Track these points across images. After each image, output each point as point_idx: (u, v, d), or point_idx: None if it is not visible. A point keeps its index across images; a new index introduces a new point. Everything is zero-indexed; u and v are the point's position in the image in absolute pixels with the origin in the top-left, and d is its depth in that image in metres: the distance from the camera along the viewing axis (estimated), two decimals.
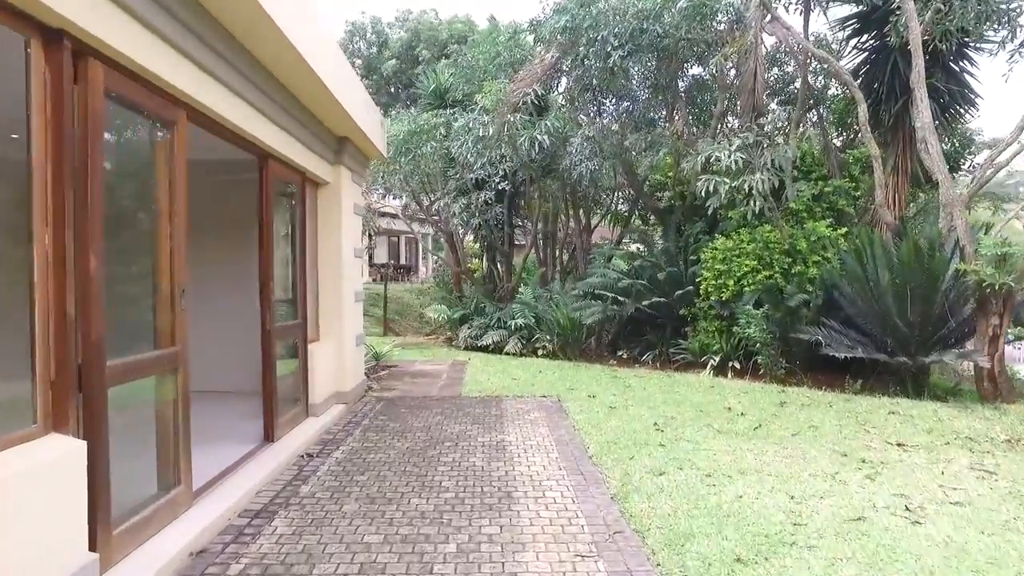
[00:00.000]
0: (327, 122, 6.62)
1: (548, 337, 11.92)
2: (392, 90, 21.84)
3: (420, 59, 20.49)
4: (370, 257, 30.39)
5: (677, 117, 11.04)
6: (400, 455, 5.54)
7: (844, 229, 9.65)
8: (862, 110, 9.10)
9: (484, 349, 12.71)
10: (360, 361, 8.09)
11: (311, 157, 6.45)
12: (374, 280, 24.18)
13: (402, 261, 35.40)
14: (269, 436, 5.54)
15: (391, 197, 15.48)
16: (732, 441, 5.94)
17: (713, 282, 9.90)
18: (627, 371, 10.23)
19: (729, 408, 7.26)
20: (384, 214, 25.44)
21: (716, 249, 10.11)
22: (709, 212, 9.91)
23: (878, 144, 9.54)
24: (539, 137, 11.13)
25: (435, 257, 17.98)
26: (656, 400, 7.78)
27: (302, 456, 5.49)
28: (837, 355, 7.80)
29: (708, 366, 9.79)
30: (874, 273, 8.03)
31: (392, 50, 21.76)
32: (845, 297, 8.50)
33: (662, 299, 10.76)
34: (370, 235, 16.70)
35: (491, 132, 11.31)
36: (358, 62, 22.17)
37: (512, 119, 11.17)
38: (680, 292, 10.55)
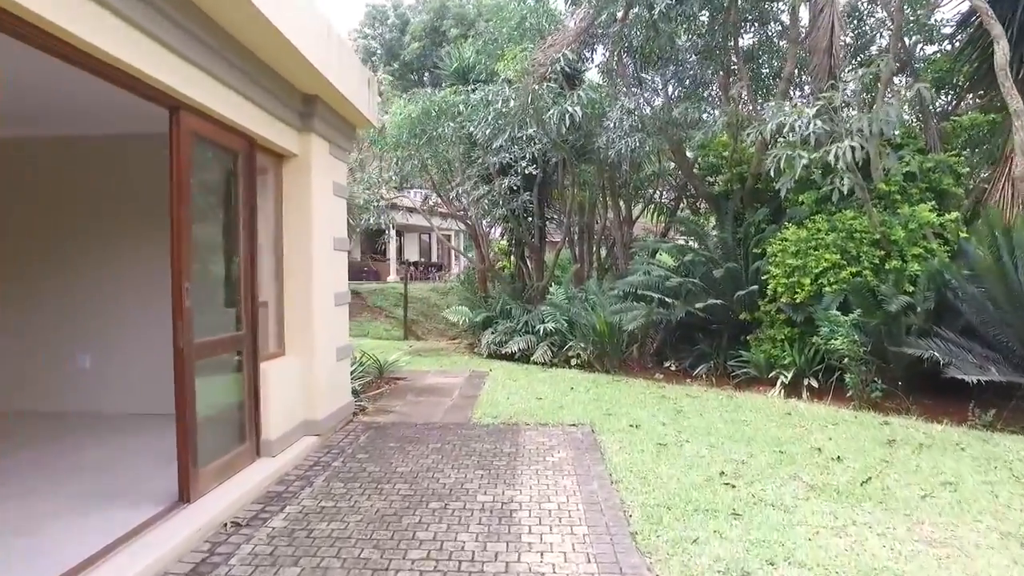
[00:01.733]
0: (284, 72, 5.06)
1: (582, 345, 10.20)
2: (414, 76, 20.40)
3: (446, 39, 18.99)
4: (398, 254, 29.09)
5: (734, 85, 9.16)
6: (363, 525, 3.93)
7: (954, 214, 7.67)
8: (1001, 50, 7.03)
9: (509, 357, 11.06)
10: (344, 379, 6.53)
11: (261, 117, 4.90)
12: (402, 278, 22.78)
13: (433, 259, 34.04)
14: (184, 495, 4.00)
15: (409, 188, 13.93)
16: (836, 506, 4.17)
17: (784, 280, 8.04)
18: (677, 388, 8.44)
19: (819, 449, 5.45)
20: (410, 209, 24.02)
21: (787, 240, 8.24)
22: (780, 194, 8.04)
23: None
24: (570, 109, 9.41)
25: (468, 255, 16.39)
26: (718, 432, 6.01)
27: (225, 525, 3.92)
28: (966, 378, 5.88)
29: (778, 384, 7.94)
30: (1012, 269, 6.08)
31: (414, 33, 20.31)
32: (967, 300, 6.57)
33: (718, 301, 8.93)
34: (385, 229, 15.27)
35: (514, 105, 9.65)
36: (379, 49, 20.85)
37: (539, 89, 9.49)
38: (741, 293, 8.72)
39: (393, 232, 26.95)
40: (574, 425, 6.41)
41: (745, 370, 8.59)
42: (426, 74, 20.03)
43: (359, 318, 18.12)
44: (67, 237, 6.51)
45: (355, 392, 7.30)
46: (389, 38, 21.35)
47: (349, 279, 22.76)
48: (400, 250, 30.85)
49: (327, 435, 5.88)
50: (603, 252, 14.46)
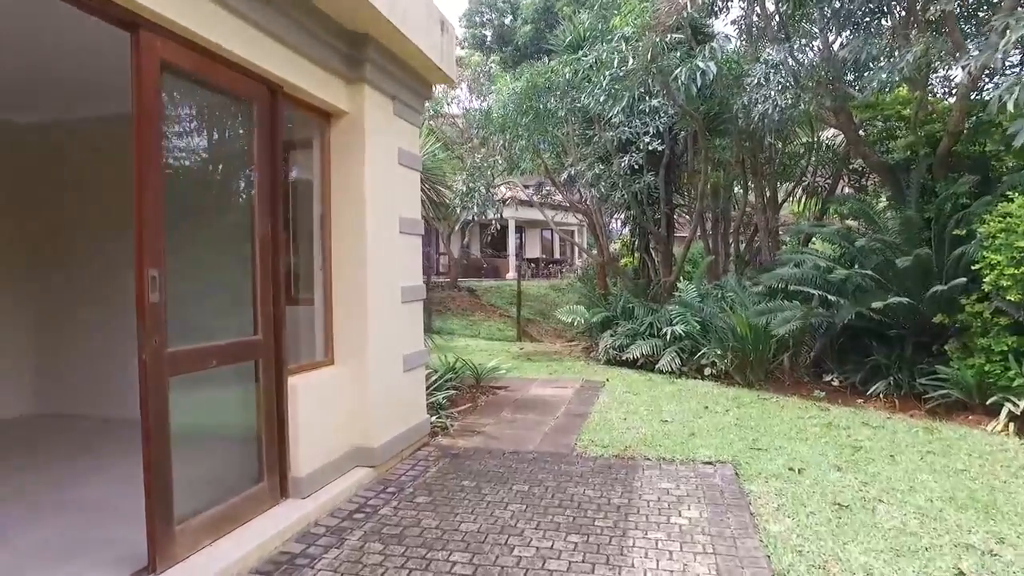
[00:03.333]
0: (320, 1, 3.89)
1: (718, 351, 8.40)
2: (527, 62, 19.18)
3: (558, 19, 17.61)
4: (519, 250, 28.08)
5: (933, 4, 6.93)
6: None
7: None
8: None
9: (629, 364, 9.46)
10: (414, 394, 5.30)
11: (286, 57, 3.75)
12: (524, 276, 21.70)
13: (556, 255, 32.78)
14: (151, 563, 2.89)
15: (520, 172, 12.65)
16: None
17: (1010, 271, 5.83)
18: (846, 411, 6.48)
19: None
20: (522, 202, 22.89)
21: (1011, 217, 6.01)
22: (998, 152, 5.87)
23: None
24: (702, 66, 7.67)
25: (591, 251, 14.93)
26: (927, 489, 4.15)
27: None
28: None
29: (1003, 414, 5.76)
30: None
31: (525, 16, 19.04)
32: None
33: (903, 299, 6.82)
34: (493, 222, 14.14)
35: (633, 65, 8.05)
36: (488, 35, 19.82)
37: (662, 42, 7.83)
38: (940, 288, 6.56)
39: (513, 227, 25.98)
40: (710, 463, 4.76)
41: (944, 391, 6.43)
42: (540, 58, 18.78)
43: (472, 317, 17.21)
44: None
45: (439, 407, 6.09)
46: (499, 24, 20.28)
47: (467, 276, 22.02)
48: (521, 246, 29.86)
49: (387, 465, 4.67)
50: (742, 242, 12.40)
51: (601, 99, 8.40)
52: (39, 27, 3.87)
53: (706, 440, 5.37)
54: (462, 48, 18.47)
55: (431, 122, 14.51)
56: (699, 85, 7.80)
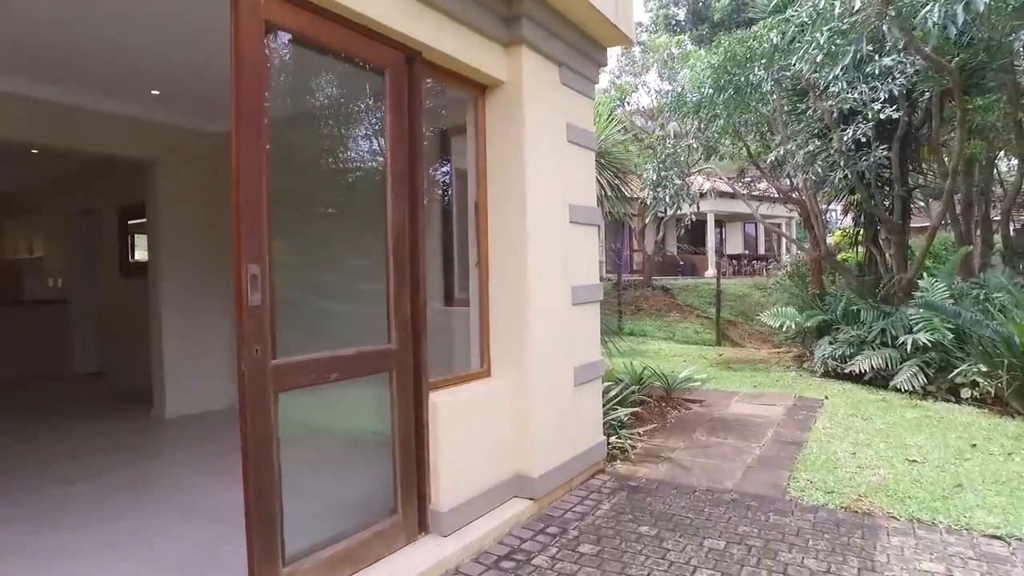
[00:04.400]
0: None
1: (982, 368, 6.53)
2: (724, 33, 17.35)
3: None
4: (719, 246, 26.01)
5: None
6: None
7: None
8: None
9: (855, 378, 7.82)
10: (588, 412, 4.52)
11: (426, 17, 3.19)
12: (724, 274, 19.92)
13: (759, 251, 30.01)
14: None
15: (719, 157, 11.25)
16: None
17: None
18: None
19: None
20: (723, 194, 20.98)
21: None
22: None
23: None
24: None
25: (802, 244, 13.07)
26: None
27: None
28: None
29: None
30: None
31: None
32: None
33: None
34: (687, 216, 12.80)
35: (862, 7, 6.50)
36: (681, 13, 18.30)
37: None
38: None
39: (712, 221, 24.09)
40: (997, 537, 3.38)
41: None
42: (739, 31, 16.92)
43: (667, 317, 16.02)
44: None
45: (619, 425, 5.25)
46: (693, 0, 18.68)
47: (662, 273, 20.80)
48: (721, 242, 27.69)
49: (550, 498, 3.96)
50: (1011, 228, 9.87)
51: (818, 58, 6.91)
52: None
53: (983, 497, 3.91)
54: (647, 32, 17.28)
55: (617, 111, 13.60)
56: (959, 26, 6.04)
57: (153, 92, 5.43)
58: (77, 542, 3.41)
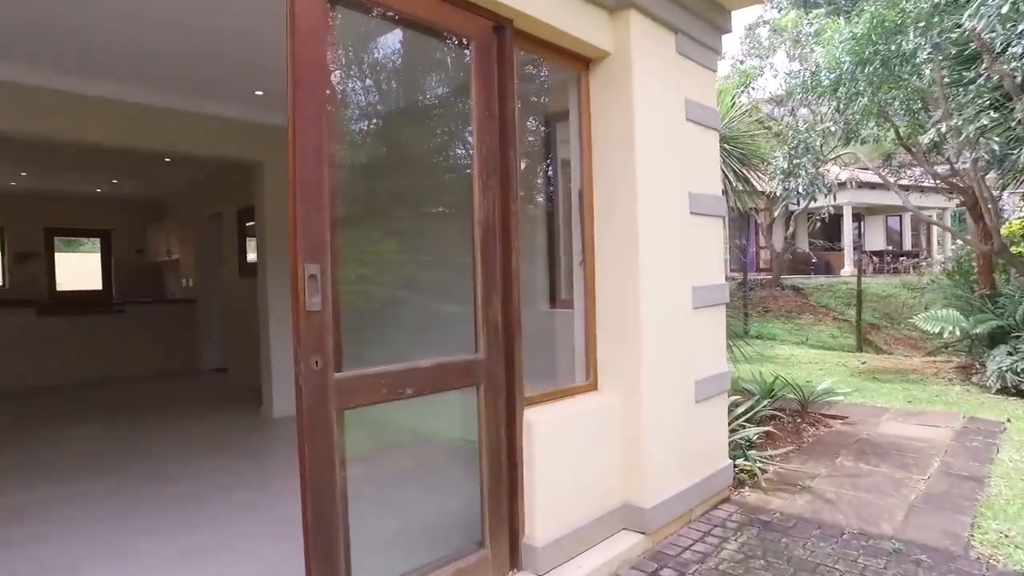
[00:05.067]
0: None
1: None
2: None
3: None
4: (856, 241, 23.72)
5: None
6: None
7: None
8: None
9: None
10: (711, 432, 3.89)
11: None
12: (864, 272, 18.05)
13: (905, 246, 27.13)
14: None
15: (857, 143, 9.98)
16: None
17: None
18: None
19: None
20: (863, 184, 19.03)
21: None
22: None
23: None
24: None
25: (962, 236, 11.45)
26: None
27: None
28: None
29: None
30: None
31: None
32: None
33: None
34: (821, 210, 11.50)
35: None
36: None
37: None
38: None
39: (849, 214, 21.96)
40: None
41: None
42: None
43: (798, 320, 14.69)
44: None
45: (746, 445, 4.59)
46: None
47: (793, 272, 19.23)
48: (860, 236, 25.25)
49: (665, 532, 3.41)
50: None
51: (1003, 9, 5.77)
52: None
53: None
54: (775, 9, 15.79)
55: (741, 97, 12.53)
56: None
57: (257, 93, 5.41)
58: (162, 548, 3.32)
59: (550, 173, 4.50)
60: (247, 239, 8.33)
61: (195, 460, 4.97)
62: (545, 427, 2.89)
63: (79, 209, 12.12)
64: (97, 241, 12.86)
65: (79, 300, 11.67)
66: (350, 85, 2.41)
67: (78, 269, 12.65)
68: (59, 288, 12.26)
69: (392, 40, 2.67)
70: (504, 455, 2.80)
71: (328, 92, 2.16)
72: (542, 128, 4.52)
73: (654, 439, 3.34)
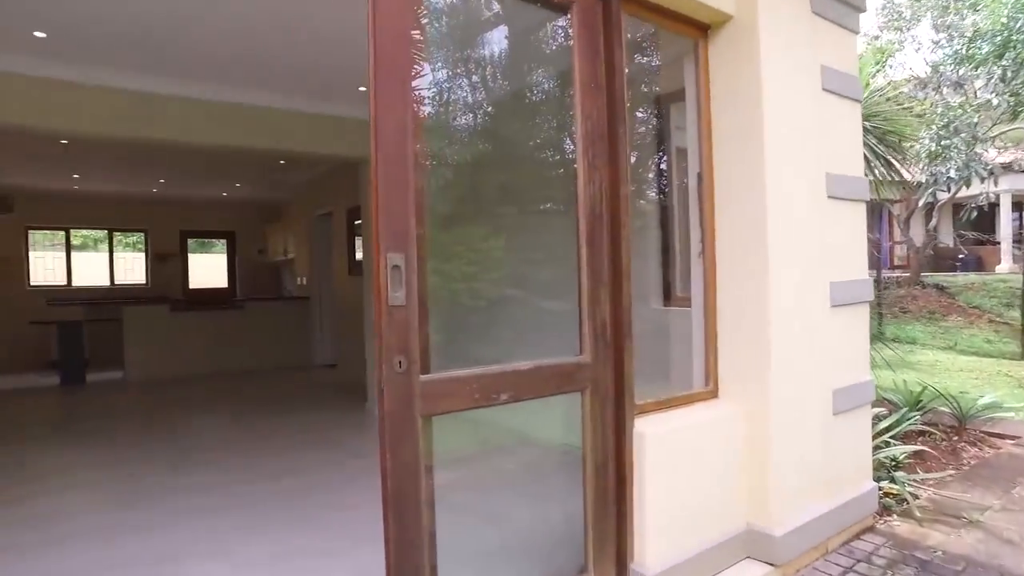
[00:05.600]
0: None
1: None
2: None
3: None
4: (1017, 233, 21.08)
5: None
6: None
7: None
8: None
9: None
10: (850, 449, 3.35)
11: None
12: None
13: None
14: None
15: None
16: None
17: None
18: None
19: None
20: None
21: None
22: None
23: None
24: None
25: None
26: None
27: None
28: None
29: None
30: None
31: None
32: None
33: None
34: (978, 198, 10.08)
35: None
36: None
37: None
38: None
39: (1008, 203, 19.48)
40: None
41: None
42: None
43: (943, 322, 13.20)
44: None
45: (892, 465, 3.99)
46: None
47: (933, 269, 17.44)
48: (1022, 228, 22.40)
49: (797, 564, 2.95)
50: None
51: None
52: None
53: None
54: None
55: (877, 78, 11.36)
56: None
57: (360, 89, 5.39)
58: (255, 548, 3.28)
59: (662, 160, 4.13)
60: (355, 237, 8.48)
61: (302, 456, 5.00)
62: (658, 439, 2.55)
63: (209, 212, 12.98)
64: (224, 242, 13.70)
65: (207, 297, 12.46)
66: (438, 55, 2.19)
67: (208, 268, 13.54)
68: (192, 286, 13.17)
69: (484, 9, 2.43)
70: (611, 469, 2.49)
71: (412, 65, 1.94)
72: (653, 112, 4.17)
73: (784, 455, 2.90)
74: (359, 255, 8.17)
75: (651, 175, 4.08)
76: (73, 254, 12.10)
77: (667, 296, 4.02)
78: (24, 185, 10.48)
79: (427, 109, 2.13)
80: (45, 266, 11.85)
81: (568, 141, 2.57)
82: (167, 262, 12.75)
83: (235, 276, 13.56)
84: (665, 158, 4.13)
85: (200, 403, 7.46)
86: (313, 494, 4.12)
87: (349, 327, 8.41)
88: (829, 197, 3.20)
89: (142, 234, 12.75)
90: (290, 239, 11.71)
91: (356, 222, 8.18)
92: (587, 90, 2.45)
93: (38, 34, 4.63)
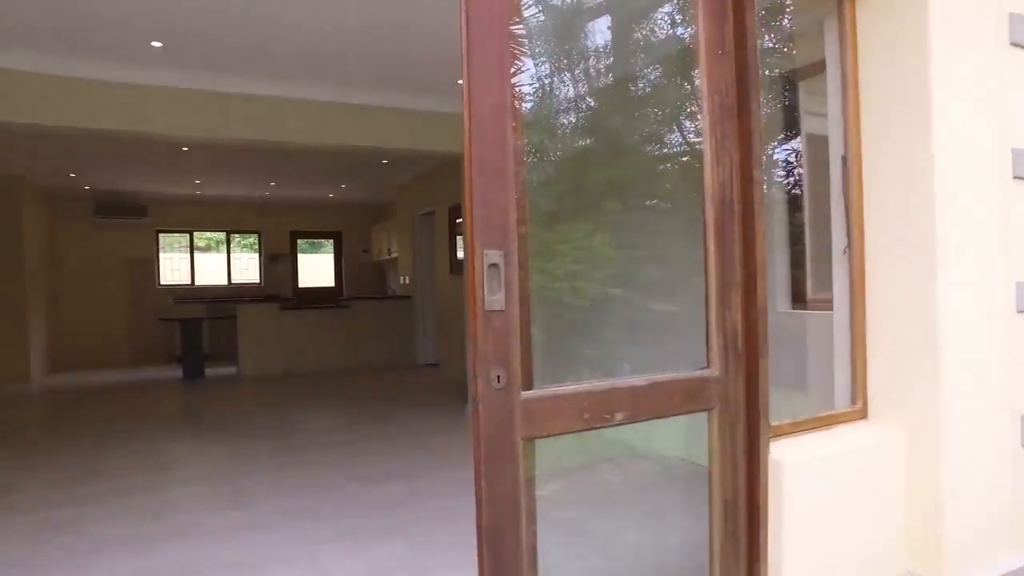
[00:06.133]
0: None
1: None
2: None
3: None
4: None
5: None
6: None
7: None
8: None
9: None
10: None
11: None
12: None
13: None
14: None
15: None
16: None
17: None
18: None
19: None
20: None
21: None
22: None
23: None
24: None
25: None
26: None
27: None
28: None
29: None
30: None
31: None
32: None
33: None
34: None
35: None
36: None
37: None
38: None
39: None
40: None
41: None
42: None
43: None
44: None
45: None
46: None
47: None
48: None
49: None
50: None
51: None
52: None
53: None
54: None
55: None
56: None
57: (459, 82, 5.24)
58: (344, 559, 3.13)
59: (789, 143, 3.67)
60: (457, 236, 8.40)
61: (403, 461, 4.89)
62: (799, 468, 2.15)
63: (316, 214, 13.45)
64: (331, 242, 14.15)
65: (315, 296, 12.88)
66: (536, 35, 1.91)
67: (316, 268, 14.03)
68: (301, 285, 13.69)
69: None
70: (742, 503, 2.12)
71: (508, 27, 1.68)
72: (783, 89, 3.72)
73: (960, 492, 2.39)
74: (460, 254, 8.09)
75: (778, 157, 3.64)
76: (196, 255, 12.89)
77: (797, 297, 3.57)
78: (155, 192, 11.26)
79: (525, 90, 1.86)
80: (172, 267, 12.69)
81: (680, 128, 2.23)
82: (278, 262, 13.31)
83: (341, 275, 13.97)
84: (792, 141, 3.68)
85: (306, 401, 7.61)
86: (411, 502, 3.96)
87: (451, 327, 8.35)
88: (1015, 178, 2.64)
89: (256, 235, 13.38)
90: (393, 238, 11.89)
91: (458, 220, 8.10)
92: (713, 58, 2.09)
93: (155, 44, 4.80)
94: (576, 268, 2.23)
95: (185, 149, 7.76)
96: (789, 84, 3.67)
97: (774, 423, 2.22)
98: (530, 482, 1.69)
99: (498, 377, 1.61)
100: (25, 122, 5.07)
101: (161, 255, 12.55)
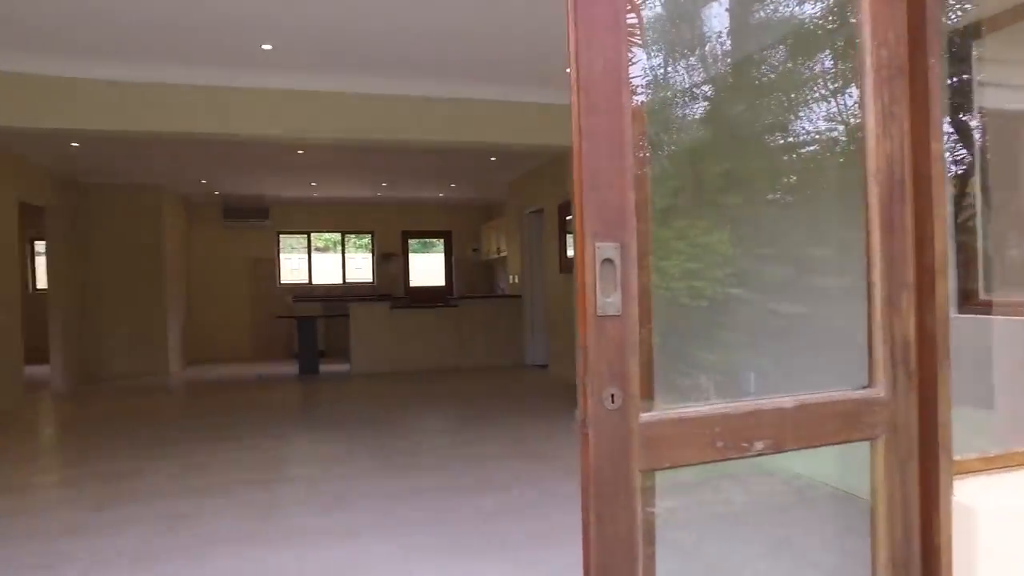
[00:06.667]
0: None
1: None
2: None
3: None
4: None
5: None
6: None
7: None
8: None
9: None
10: None
11: None
12: None
13: None
14: None
15: None
16: None
17: None
18: None
19: None
20: None
21: None
22: None
23: None
24: None
25: None
26: None
27: None
28: None
29: None
30: None
31: None
32: None
33: None
34: None
35: None
36: None
37: None
38: None
39: None
40: None
41: None
42: None
43: None
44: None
45: None
46: None
47: None
48: None
49: None
50: None
51: None
52: None
53: None
54: None
55: None
56: None
57: (567, 70, 4.99)
58: None
59: (961, 113, 3.12)
60: (566, 234, 8.15)
61: (510, 470, 4.69)
62: (996, 517, 1.70)
63: (427, 213, 13.66)
64: (441, 241, 14.34)
65: (426, 295, 13.07)
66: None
67: (427, 267, 14.27)
68: (412, 284, 13.96)
69: None
70: (915, 552, 1.71)
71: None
72: (945, 51, 3.17)
73: None
74: (570, 252, 7.83)
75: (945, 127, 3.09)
76: (314, 255, 13.46)
77: (966, 298, 3.03)
78: (275, 195, 11.84)
79: (640, 65, 1.56)
80: (291, 266, 13.32)
81: (808, 114, 1.84)
82: (390, 261, 13.64)
83: (451, 274, 14.11)
84: (964, 109, 3.12)
85: (414, 400, 7.64)
86: (517, 517, 3.74)
87: (561, 327, 8.11)
88: None
89: (369, 235, 13.79)
90: (502, 237, 11.82)
91: (567, 218, 7.85)
92: (880, 2, 1.70)
93: (265, 47, 4.88)
94: (693, 267, 1.92)
95: (300, 152, 8.01)
96: (956, 43, 3.13)
97: (965, 458, 1.79)
98: (650, 524, 1.40)
99: (612, 396, 1.33)
100: (177, 131, 5.46)
101: (281, 255, 13.20)
